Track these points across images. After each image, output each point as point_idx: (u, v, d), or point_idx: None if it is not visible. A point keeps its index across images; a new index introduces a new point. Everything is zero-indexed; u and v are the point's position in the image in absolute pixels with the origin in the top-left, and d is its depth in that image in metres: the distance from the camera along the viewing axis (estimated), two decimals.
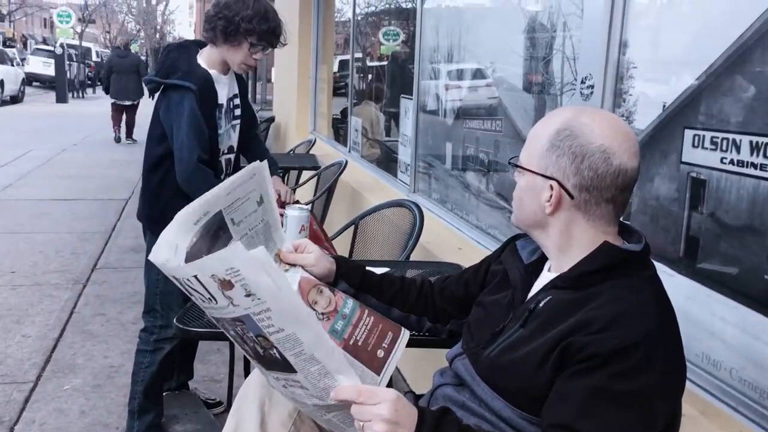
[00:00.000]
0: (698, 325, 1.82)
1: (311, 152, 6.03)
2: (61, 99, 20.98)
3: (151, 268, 2.67)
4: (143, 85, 13.05)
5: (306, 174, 5.43)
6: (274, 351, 1.16)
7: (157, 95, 2.64)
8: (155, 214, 2.65)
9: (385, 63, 5.82)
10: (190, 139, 2.47)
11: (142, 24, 51.24)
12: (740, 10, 1.71)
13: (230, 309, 1.13)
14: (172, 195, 2.56)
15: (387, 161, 5.31)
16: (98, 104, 21.75)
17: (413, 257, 2.86)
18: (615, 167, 1.25)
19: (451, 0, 3.85)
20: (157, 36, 51.62)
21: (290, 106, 8.12)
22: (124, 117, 12.51)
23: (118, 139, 12.59)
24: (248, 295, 1.09)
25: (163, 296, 2.68)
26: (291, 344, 1.14)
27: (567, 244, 1.33)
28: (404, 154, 4.42)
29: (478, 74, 3.39)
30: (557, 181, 1.28)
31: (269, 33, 2.57)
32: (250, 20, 2.50)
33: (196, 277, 1.10)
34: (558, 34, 2.60)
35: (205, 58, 2.61)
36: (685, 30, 1.93)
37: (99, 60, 31.18)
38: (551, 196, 1.29)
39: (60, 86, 21.15)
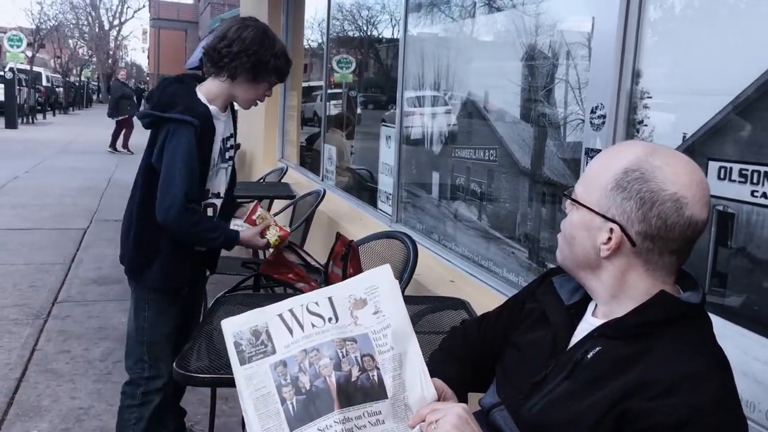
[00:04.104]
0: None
1: (283, 180, 5.90)
2: (11, 125, 20.36)
3: (137, 314, 2.49)
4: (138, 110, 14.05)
5: (278, 203, 5.28)
6: (374, 373, 1.19)
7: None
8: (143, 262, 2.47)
9: (357, 90, 5.74)
10: (182, 175, 2.29)
11: (94, 49, 50.53)
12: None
13: (349, 328, 1.21)
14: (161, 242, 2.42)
15: (359, 189, 5.21)
16: (49, 130, 21.18)
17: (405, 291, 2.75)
18: (686, 218, 1.15)
19: (434, 28, 3.79)
20: (110, 62, 50.95)
21: (257, 134, 7.98)
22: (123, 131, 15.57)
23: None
24: (375, 313, 1.22)
25: (151, 346, 2.49)
26: (394, 365, 1.20)
27: (620, 291, 1.22)
28: (385, 184, 4.32)
29: (468, 102, 3.32)
30: (619, 225, 1.18)
31: (287, 70, 2.52)
32: (279, 57, 2.43)
33: (330, 298, 1.22)
34: (561, 63, 2.54)
35: (205, 93, 2.43)
36: (706, 58, 1.88)
37: (49, 85, 30.42)
38: (609, 239, 1.19)
39: (9, 111, 20.53)
